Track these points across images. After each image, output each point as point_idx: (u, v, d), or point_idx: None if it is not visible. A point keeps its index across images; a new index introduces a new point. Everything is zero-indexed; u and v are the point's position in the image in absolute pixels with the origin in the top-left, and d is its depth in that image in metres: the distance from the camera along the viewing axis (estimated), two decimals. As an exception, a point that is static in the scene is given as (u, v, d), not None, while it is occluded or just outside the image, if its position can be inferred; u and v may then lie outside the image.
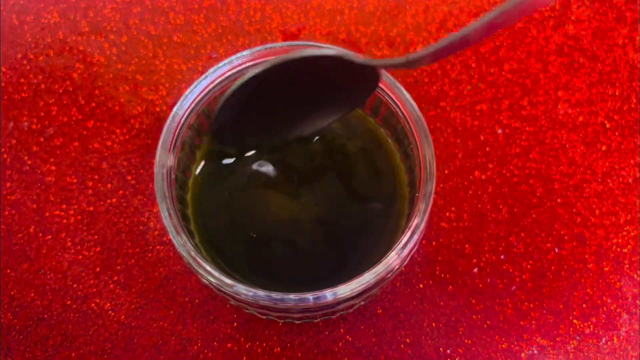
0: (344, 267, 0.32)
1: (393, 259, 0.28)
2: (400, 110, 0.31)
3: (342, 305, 0.30)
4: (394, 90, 0.31)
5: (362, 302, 0.35)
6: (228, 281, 0.28)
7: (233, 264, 0.32)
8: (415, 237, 0.28)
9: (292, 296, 0.27)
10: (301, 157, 0.34)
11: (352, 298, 0.28)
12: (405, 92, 0.30)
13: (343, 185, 0.34)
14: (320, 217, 0.33)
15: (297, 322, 0.36)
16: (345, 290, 0.27)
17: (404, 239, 0.28)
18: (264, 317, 0.35)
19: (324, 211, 0.33)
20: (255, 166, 0.34)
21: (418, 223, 0.28)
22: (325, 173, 0.34)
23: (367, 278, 0.27)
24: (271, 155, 0.34)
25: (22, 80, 0.41)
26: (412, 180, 0.31)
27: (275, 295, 0.27)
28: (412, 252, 0.29)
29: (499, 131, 0.40)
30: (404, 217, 0.32)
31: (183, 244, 0.28)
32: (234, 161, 0.34)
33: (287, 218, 0.33)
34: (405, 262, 0.29)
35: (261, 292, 0.27)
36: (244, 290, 0.28)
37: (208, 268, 0.28)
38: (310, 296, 0.27)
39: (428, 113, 0.40)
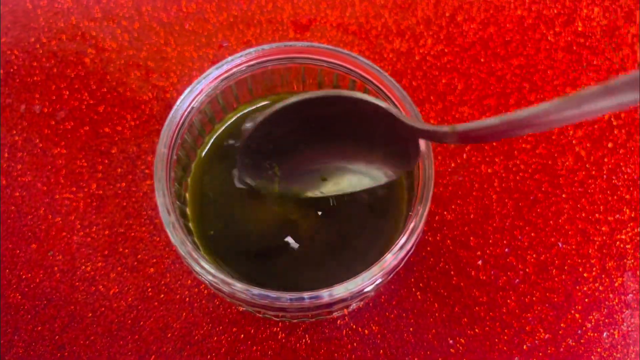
0: (341, 267, 0.32)
1: (389, 261, 0.28)
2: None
3: (337, 306, 0.30)
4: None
5: (359, 303, 0.35)
6: (224, 278, 0.27)
7: (226, 255, 0.32)
8: (413, 239, 0.28)
9: (288, 295, 0.27)
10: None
11: (347, 298, 0.28)
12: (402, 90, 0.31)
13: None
14: (318, 218, 0.33)
15: (293, 320, 0.36)
16: (341, 290, 0.27)
17: (401, 241, 0.28)
18: (260, 315, 0.35)
19: (322, 212, 0.33)
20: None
21: (415, 225, 0.28)
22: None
23: (364, 278, 0.27)
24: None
25: (35, 63, 0.41)
26: (411, 183, 0.31)
27: (271, 294, 0.27)
28: (409, 254, 0.29)
29: (506, 126, 0.40)
30: (402, 219, 0.32)
31: (178, 239, 0.28)
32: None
33: (285, 218, 0.33)
34: (402, 264, 0.29)
35: (256, 291, 0.27)
36: (240, 289, 0.27)
37: (203, 264, 0.28)
38: (306, 296, 0.27)
39: (436, 107, 0.40)
